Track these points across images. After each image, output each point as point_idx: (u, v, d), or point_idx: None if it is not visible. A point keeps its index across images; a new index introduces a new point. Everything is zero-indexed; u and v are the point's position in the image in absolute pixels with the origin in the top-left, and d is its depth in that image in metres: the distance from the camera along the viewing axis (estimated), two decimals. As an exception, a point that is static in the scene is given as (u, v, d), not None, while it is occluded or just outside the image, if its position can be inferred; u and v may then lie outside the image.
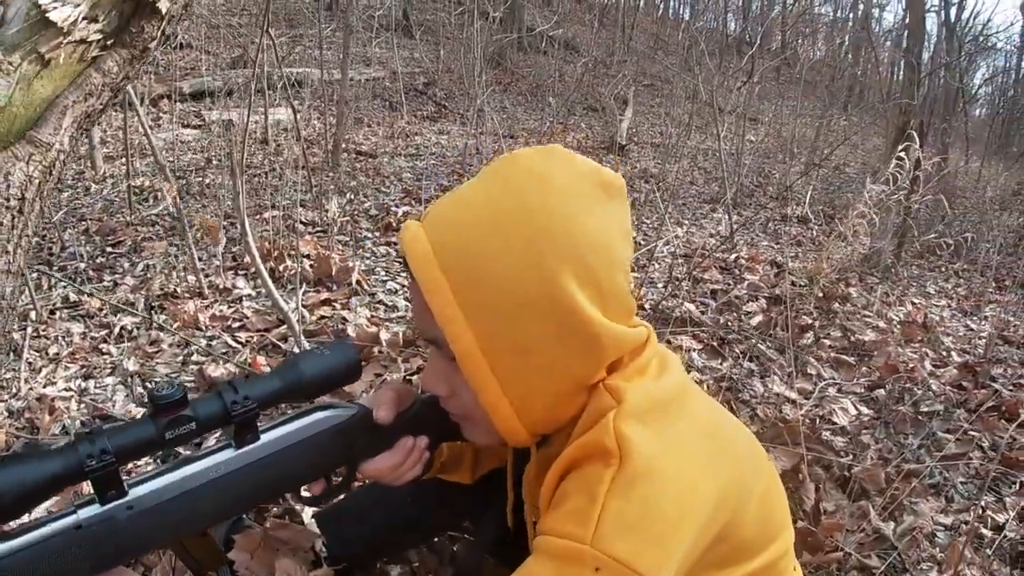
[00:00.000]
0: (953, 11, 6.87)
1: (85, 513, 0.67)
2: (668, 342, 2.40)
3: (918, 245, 4.22)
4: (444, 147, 6.78)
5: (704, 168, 7.49)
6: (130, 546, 0.70)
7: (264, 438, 0.77)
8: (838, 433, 2.00)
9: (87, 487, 0.67)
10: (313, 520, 1.28)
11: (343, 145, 5.79)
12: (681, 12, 22.38)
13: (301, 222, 3.71)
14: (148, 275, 2.84)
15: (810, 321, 2.87)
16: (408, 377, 2.01)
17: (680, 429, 0.69)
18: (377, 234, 3.65)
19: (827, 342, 2.70)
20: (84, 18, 0.57)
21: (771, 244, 4.85)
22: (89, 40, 0.60)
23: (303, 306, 2.50)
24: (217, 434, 1.43)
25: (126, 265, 3.00)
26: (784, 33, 15.83)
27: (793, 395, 2.15)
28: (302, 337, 2.16)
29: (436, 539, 1.32)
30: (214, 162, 4.93)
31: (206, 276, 2.78)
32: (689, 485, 0.65)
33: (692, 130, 7.90)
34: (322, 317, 2.43)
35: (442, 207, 0.73)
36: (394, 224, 3.69)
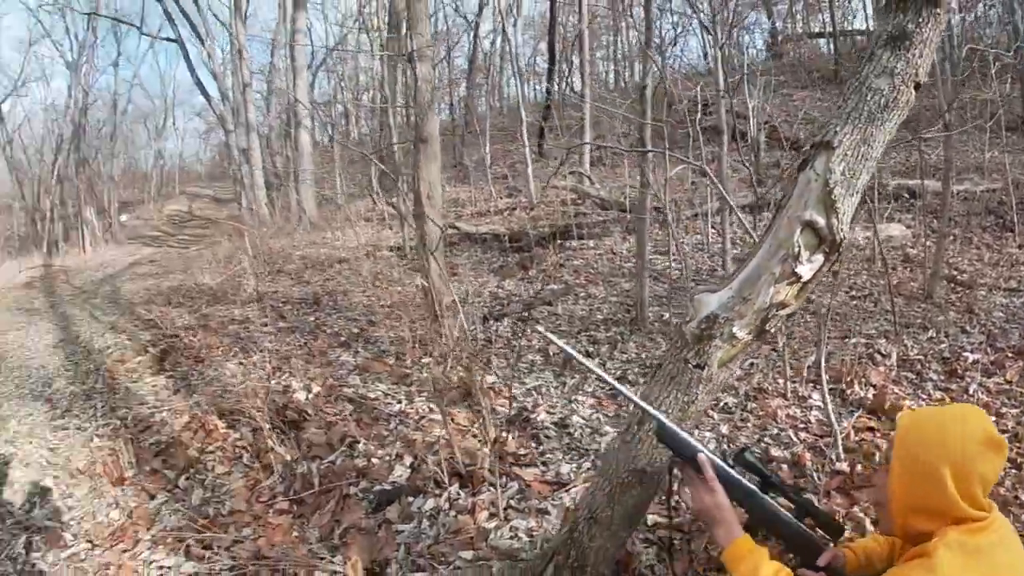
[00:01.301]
0: None
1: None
2: None
3: None
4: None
5: None
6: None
7: (769, 497, 1.76)
8: None
9: None
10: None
11: (942, 271, 5.80)
12: None
13: (880, 353, 4.35)
14: (751, 371, 4.06)
15: None
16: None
17: (964, 566, 1.38)
18: (942, 378, 3.98)
19: None
20: (748, 335, 1.75)
21: None
22: (738, 339, 1.77)
23: (852, 427, 3.31)
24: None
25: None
26: None
27: None
28: (841, 450, 3.01)
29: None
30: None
31: (792, 382, 3.85)
32: None
33: None
34: (862, 440, 3.21)
35: (922, 411, 1.60)
36: (959, 372, 3.96)
